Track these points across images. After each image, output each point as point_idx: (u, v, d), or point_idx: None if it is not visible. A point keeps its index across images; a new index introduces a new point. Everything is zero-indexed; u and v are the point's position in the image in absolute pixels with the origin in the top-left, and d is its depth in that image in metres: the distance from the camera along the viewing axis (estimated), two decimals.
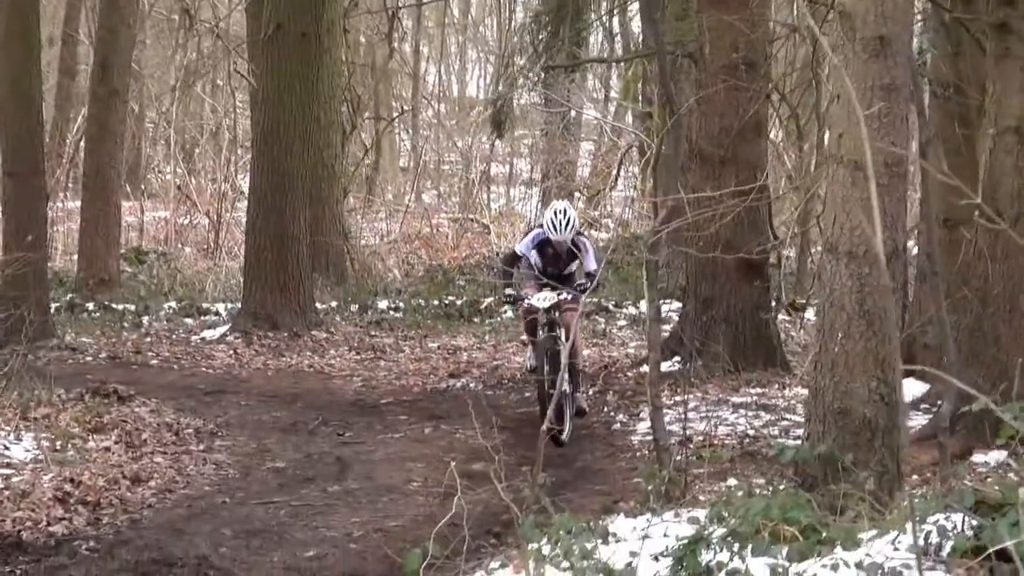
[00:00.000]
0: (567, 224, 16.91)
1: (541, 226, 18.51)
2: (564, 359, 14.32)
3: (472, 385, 21.06)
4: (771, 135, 23.50)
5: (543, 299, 16.80)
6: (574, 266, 17.76)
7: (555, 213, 17.09)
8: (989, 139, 13.22)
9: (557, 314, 17.07)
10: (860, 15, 10.74)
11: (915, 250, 16.38)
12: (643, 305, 23.56)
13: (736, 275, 19.63)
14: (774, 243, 21.28)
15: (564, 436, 16.42)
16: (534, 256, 17.86)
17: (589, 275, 17.30)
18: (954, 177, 11.37)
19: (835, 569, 8.69)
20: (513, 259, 18.37)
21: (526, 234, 19.23)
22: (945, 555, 8.70)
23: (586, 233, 20.38)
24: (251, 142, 29.21)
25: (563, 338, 16.27)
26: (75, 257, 30.71)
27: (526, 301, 17.44)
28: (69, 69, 39.07)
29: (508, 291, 18.00)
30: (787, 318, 22.95)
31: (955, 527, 8.83)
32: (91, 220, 30.09)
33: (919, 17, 14.76)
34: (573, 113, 42.08)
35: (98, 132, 30.69)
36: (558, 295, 16.89)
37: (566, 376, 14.89)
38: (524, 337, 19.30)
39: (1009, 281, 13.32)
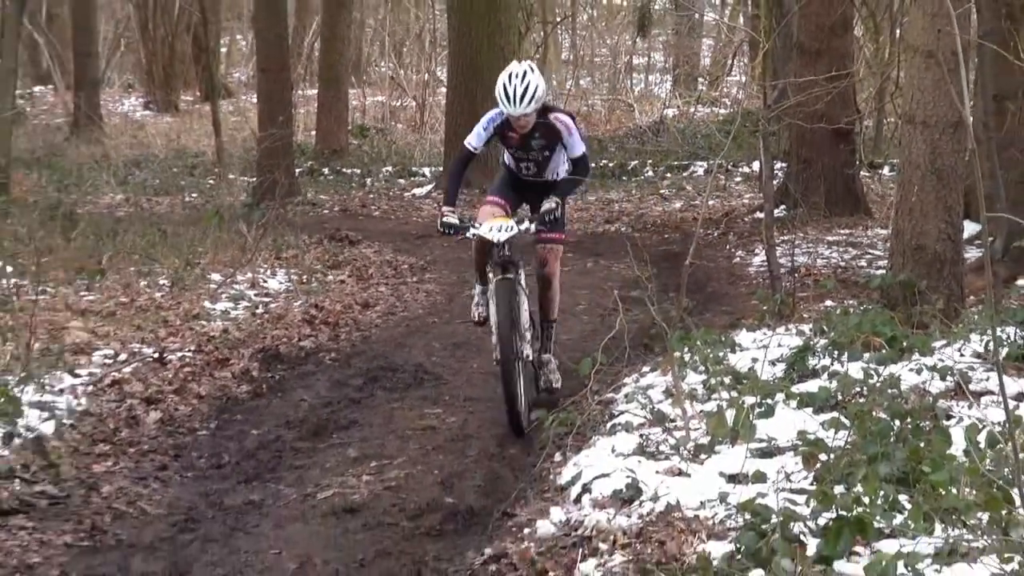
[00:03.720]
0: (526, 93, 9.08)
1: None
2: (524, 313, 9.54)
3: (623, 229, 20.82)
4: (854, 31, 23.17)
5: (498, 229, 9.25)
6: (560, 161, 9.86)
7: (509, 77, 9.18)
8: None
9: (536, 248, 9.95)
10: None
11: (971, 119, 16.04)
12: (756, 165, 23.29)
13: (828, 141, 19.54)
14: (857, 115, 21.38)
15: (525, 422, 9.38)
16: (505, 155, 10.20)
17: (575, 163, 9.87)
18: (1009, 56, 11.35)
19: (918, 372, 8.84)
20: (464, 160, 10.11)
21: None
22: (1000, 359, 8.60)
23: (564, 109, 11.74)
24: (447, 42, 29.18)
25: (544, 277, 9.81)
26: (313, 133, 30.90)
27: (471, 230, 9.60)
28: None
29: (446, 218, 9.69)
30: (867, 174, 22.60)
31: (1008, 337, 8.91)
32: (325, 104, 30.31)
33: None
34: (697, 16, 41.83)
35: (330, 35, 30.83)
36: (520, 224, 9.40)
37: (527, 335, 9.61)
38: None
39: None
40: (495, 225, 9.27)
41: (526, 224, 9.33)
